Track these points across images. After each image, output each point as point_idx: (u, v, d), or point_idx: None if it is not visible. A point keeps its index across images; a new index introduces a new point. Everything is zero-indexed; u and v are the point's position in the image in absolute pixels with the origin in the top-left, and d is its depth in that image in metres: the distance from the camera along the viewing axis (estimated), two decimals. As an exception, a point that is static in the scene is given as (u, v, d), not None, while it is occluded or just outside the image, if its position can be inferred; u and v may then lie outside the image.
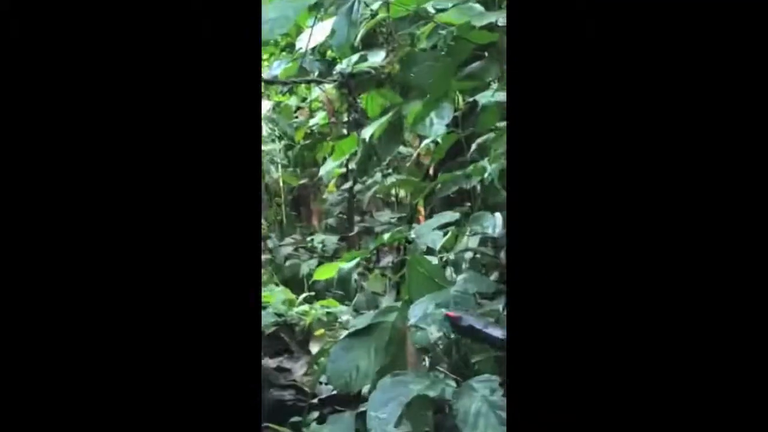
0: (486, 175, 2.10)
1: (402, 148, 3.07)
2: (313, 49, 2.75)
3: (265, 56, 3.13)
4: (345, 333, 2.20)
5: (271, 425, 2.31)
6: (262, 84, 2.89)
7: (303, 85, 3.37)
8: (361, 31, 2.35)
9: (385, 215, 3.35)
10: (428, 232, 2.19)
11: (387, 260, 3.28)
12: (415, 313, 1.97)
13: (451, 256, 2.13)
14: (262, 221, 3.44)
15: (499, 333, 1.70)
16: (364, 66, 2.60)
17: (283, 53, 2.96)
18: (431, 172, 3.11)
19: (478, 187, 2.36)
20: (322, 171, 3.08)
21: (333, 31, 2.10)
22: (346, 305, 2.92)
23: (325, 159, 3.70)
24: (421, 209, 3.18)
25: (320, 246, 3.39)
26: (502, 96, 2.18)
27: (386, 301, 3.32)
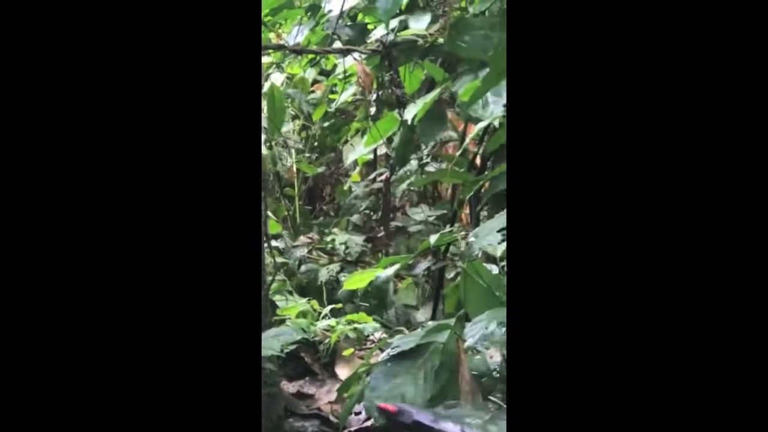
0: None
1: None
2: (341, 12, 2.73)
3: (279, 20, 3.12)
4: (382, 354, 2.18)
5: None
6: (285, 53, 2.88)
7: (324, 57, 3.34)
8: (411, -8, 2.33)
9: (421, 213, 3.32)
10: (488, 235, 2.17)
11: (422, 267, 3.25)
12: (473, 332, 1.97)
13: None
14: (273, 217, 3.42)
15: (456, 430, 1.64)
16: (408, 33, 2.57)
17: (305, 17, 2.92)
18: (477, 162, 3.10)
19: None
20: (350, 157, 3.05)
21: (378, -7, 2.08)
22: (376, 320, 2.89)
23: (345, 143, 3.68)
24: (467, 207, 3.17)
25: (343, 248, 3.36)
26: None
27: (421, 316, 3.31)
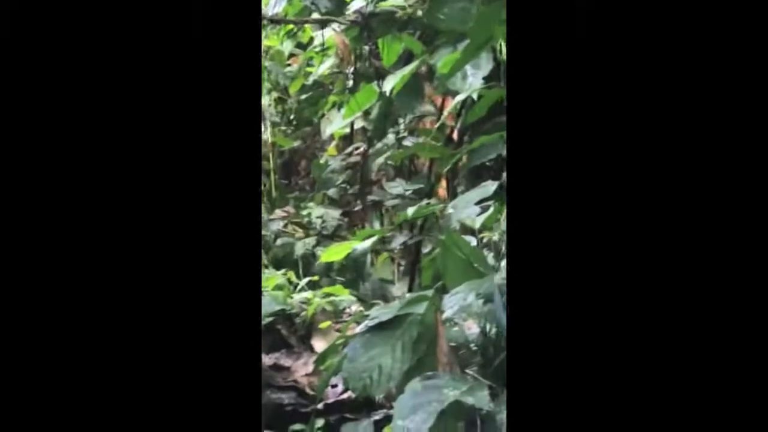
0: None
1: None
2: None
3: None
4: (359, 327, 2.15)
5: (269, 434, 2.28)
6: (263, 23, 2.82)
7: (301, 30, 3.30)
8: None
9: (398, 187, 3.28)
10: (466, 207, 2.14)
11: (398, 241, 3.22)
12: (451, 304, 1.94)
13: (495, 237, 2.08)
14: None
15: None
16: (387, 5, 2.53)
17: (283, -13, 2.87)
18: (455, 136, 3.07)
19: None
20: (328, 130, 3.01)
21: (358, -39, 2.04)
22: (353, 294, 2.87)
23: (322, 116, 3.64)
24: (444, 181, 3.14)
25: (319, 222, 3.32)
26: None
27: (397, 291, 3.28)
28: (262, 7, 2.95)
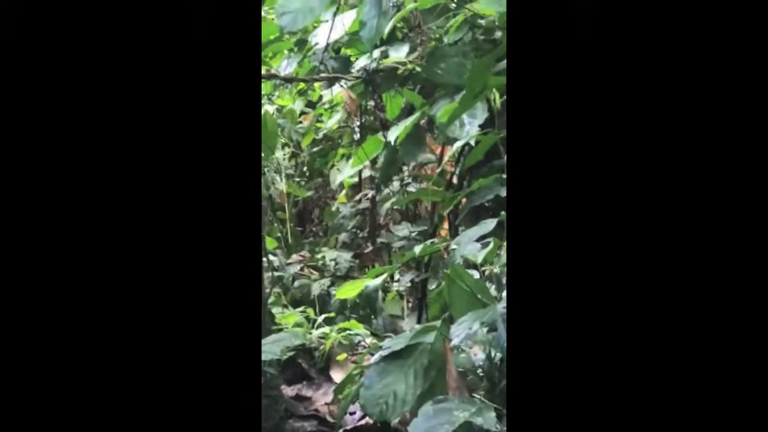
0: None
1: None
2: (327, 44, 2.74)
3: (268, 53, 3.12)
4: (374, 357, 2.16)
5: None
6: (276, 83, 2.88)
7: (311, 89, 3.36)
8: (391, 23, 2.34)
9: (404, 229, 3.31)
10: (468, 244, 2.17)
11: (406, 279, 3.25)
12: (458, 333, 1.95)
13: (496, 270, 2.11)
14: (270, 238, 3.41)
15: None
16: (389, 62, 2.58)
17: (293, 51, 2.93)
18: (454, 180, 3.10)
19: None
20: (338, 179, 3.05)
21: (362, 23, 2.09)
22: (366, 328, 2.89)
23: (332, 167, 3.69)
24: (445, 221, 3.16)
25: (332, 264, 3.35)
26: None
27: (406, 326, 3.29)
28: (275, 68, 3.02)
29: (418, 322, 3.09)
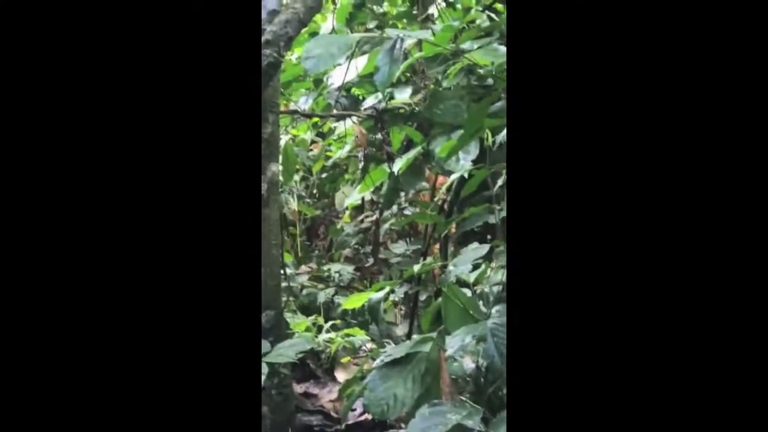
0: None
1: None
2: (342, 84, 2.78)
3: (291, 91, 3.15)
4: (376, 362, 2.18)
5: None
6: (294, 117, 2.91)
7: (324, 121, 3.39)
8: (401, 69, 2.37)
9: (400, 247, 3.35)
10: (462, 265, 2.20)
11: (400, 291, 3.28)
12: (452, 344, 1.97)
13: (486, 289, 2.13)
14: (282, 251, 3.43)
15: None
16: (394, 102, 2.62)
17: (309, 89, 2.97)
18: (446, 207, 3.14)
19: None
20: (347, 201, 3.09)
21: (376, 68, 2.11)
22: (367, 334, 2.92)
23: (338, 191, 3.72)
24: (437, 243, 3.19)
25: (336, 276, 3.38)
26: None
27: (399, 331, 3.32)
28: (294, 103, 3.04)
29: (410, 328, 3.13)
